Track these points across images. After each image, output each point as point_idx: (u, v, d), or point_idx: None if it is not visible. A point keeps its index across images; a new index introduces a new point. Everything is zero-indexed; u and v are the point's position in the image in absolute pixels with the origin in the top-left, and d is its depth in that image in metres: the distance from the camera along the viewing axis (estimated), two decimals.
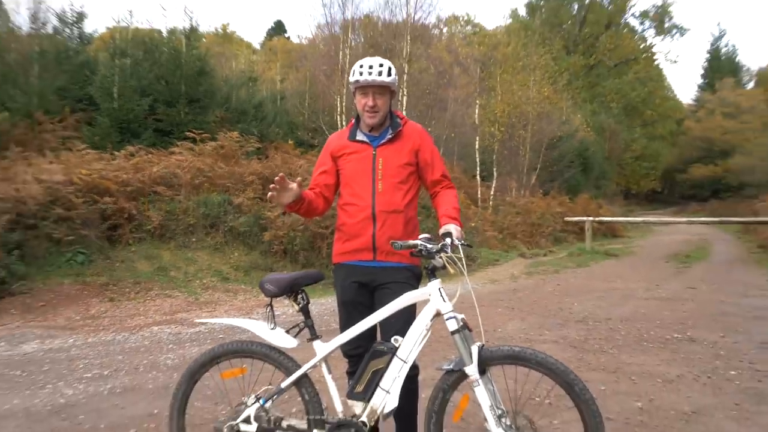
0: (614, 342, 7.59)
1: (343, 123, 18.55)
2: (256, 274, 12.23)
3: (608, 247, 22.35)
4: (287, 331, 3.43)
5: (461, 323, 3.10)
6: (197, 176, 13.58)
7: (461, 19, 46.98)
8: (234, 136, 15.60)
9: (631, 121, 53.15)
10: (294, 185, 3.48)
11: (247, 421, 3.36)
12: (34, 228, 10.60)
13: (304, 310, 3.45)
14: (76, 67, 17.81)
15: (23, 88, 15.66)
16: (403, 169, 3.70)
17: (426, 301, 3.22)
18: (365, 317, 3.40)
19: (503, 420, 3.02)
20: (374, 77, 3.55)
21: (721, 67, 69.97)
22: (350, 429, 3.20)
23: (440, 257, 3.17)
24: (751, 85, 69.87)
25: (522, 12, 57.15)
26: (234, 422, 3.37)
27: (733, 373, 6.24)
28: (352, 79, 3.63)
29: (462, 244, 3.26)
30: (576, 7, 55.83)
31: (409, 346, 3.17)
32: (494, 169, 25.37)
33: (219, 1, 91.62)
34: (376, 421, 3.23)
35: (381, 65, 3.58)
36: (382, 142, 3.71)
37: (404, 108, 17.72)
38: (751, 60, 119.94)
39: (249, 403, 3.41)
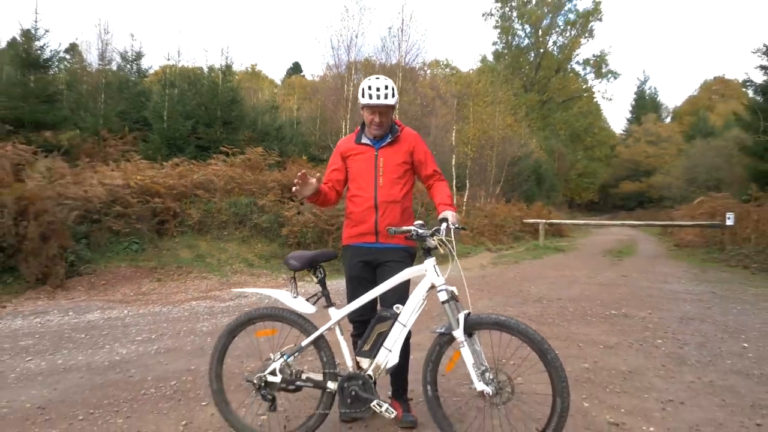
0: (564, 317, 7.52)
1: None
2: (275, 262, 12.14)
3: (557, 244, 22.32)
4: (307, 300, 3.35)
5: (450, 295, 3.07)
6: (229, 182, 13.49)
7: (441, 62, 46.85)
8: (259, 151, 15.52)
9: (575, 146, 53.19)
10: (313, 180, 3.46)
11: (273, 373, 3.31)
12: (98, 222, 10.54)
13: (322, 282, 3.37)
14: (134, 95, 17.85)
15: (92, 112, 15.71)
16: (399, 167, 3.68)
17: (422, 276, 3.20)
18: (368, 290, 3.37)
19: (486, 375, 3.00)
20: (381, 101, 3.49)
21: (645, 104, 70.39)
22: (359, 381, 3.16)
23: (433, 240, 3.13)
24: (668, 119, 70.44)
25: (490, 58, 57.20)
26: (262, 374, 3.32)
27: (659, 341, 6.20)
28: (361, 99, 3.55)
29: (456, 228, 3.27)
30: (533, 55, 55.95)
31: (408, 313, 3.15)
32: (467, 181, 25.29)
33: (249, 45, 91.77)
34: (380, 375, 3.19)
35: (386, 87, 3.50)
36: (383, 145, 3.68)
37: None
38: (668, 100, 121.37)
39: (275, 359, 3.34)
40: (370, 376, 3.16)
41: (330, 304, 3.36)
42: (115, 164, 12.84)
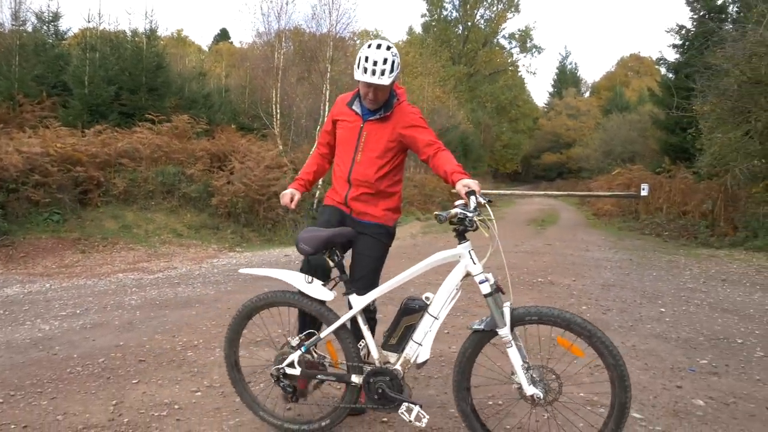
0: None
1: (278, 111, 18.03)
2: (205, 232, 11.85)
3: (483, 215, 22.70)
4: (323, 285, 2.99)
5: (494, 287, 2.68)
6: (156, 151, 12.99)
7: (371, 33, 46.35)
8: (185, 118, 14.90)
9: (500, 118, 53.88)
10: (297, 196, 3.40)
11: (291, 365, 2.99)
12: (15, 191, 9.96)
13: (340, 266, 2.99)
14: (52, 58, 16.74)
15: (5, 75, 14.65)
16: (381, 146, 3.23)
17: (455, 263, 2.83)
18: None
19: (530, 372, 2.67)
20: (377, 78, 2.99)
21: (566, 79, 72.17)
22: (386, 376, 2.83)
23: (474, 220, 2.66)
24: (587, 94, 72.54)
25: (418, 29, 57.10)
26: (280, 366, 3.01)
27: (584, 307, 6.37)
28: (357, 73, 3.05)
29: (486, 201, 2.75)
30: (460, 28, 56.12)
31: (439, 304, 2.80)
32: None
33: (175, 9, 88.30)
34: (409, 370, 2.89)
35: (385, 61, 2.98)
36: (371, 118, 3.23)
37: (327, 100, 17.35)
38: (588, 75, 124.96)
39: (293, 347, 3.03)
40: (397, 370, 2.83)
41: (350, 291, 3.00)
42: (33, 131, 12.08)
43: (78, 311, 5.87)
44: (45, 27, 18.65)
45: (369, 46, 3.06)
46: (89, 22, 17.23)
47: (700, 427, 3.31)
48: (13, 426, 3.14)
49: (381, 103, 3.20)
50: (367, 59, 3.01)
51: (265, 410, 3.16)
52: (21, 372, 4.00)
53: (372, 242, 3.27)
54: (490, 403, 3.56)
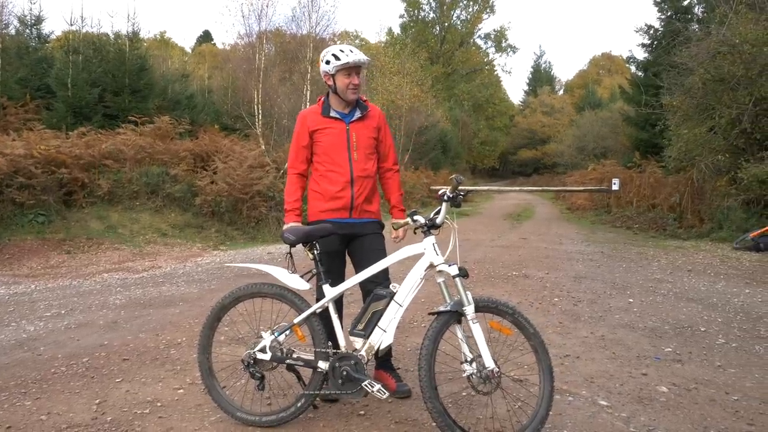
0: (472, 280, 7.59)
1: (260, 112, 17.94)
2: (189, 231, 11.76)
3: (462, 209, 22.80)
4: (301, 276, 3.11)
5: (462, 270, 2.93)
6: (139, 152, 12.81)
7: (351, 34, 46.18)
8: (167, 119, 14.71)
9: (477, 116, 54.06)
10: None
11: (263, 350, 3.08)
12: (0, 194, 9.77)
13: (317, 259, 3.13)
14: (35, 61, 16.58)
15: None
16: (372, 142, 3.53)
17: (421, 255, 3.06)
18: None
19: (479, 360, 2.88)
20: (359, 57, 3.28)
21: (541, 77, 72.66)
22: (351, 361, 2.96)
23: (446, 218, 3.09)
24: (561, 92, 73.07)
25: (396, 30, 57.06)
26: (252, 351, 3.09)
27: (556, 299, 6.43)
28: (337, 63, 3.27)
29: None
30: (438, 29, 56.20)
31: (405, 292, 2.98)
32: None
33: (157, 11, 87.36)
34: (375, 354, 3.03)
35: (352, 48, 3.34)
36: (353, 119, 3.47)
37: (308, 100, 17.30)
38: (561, 73, 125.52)
39: (265, 336, 3.11)
40: (362, 356, 2.97)
41: (324, 281, 3.12)
42: (17, 134, 11.91)
43: (63, 311, 5.82)
44: (28, 30, 18.41)
45: (333, 47, 3.39)
46: (72, 25, 17.01)
47: (662, 412, 3.37)
48: None
49: (359, 94, 3.45)
50: (342, 50, 3.32)
51: (242, 410, 3.18)
52: (5, 373, 3.96)
53: (376, 236, 3.53)
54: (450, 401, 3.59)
